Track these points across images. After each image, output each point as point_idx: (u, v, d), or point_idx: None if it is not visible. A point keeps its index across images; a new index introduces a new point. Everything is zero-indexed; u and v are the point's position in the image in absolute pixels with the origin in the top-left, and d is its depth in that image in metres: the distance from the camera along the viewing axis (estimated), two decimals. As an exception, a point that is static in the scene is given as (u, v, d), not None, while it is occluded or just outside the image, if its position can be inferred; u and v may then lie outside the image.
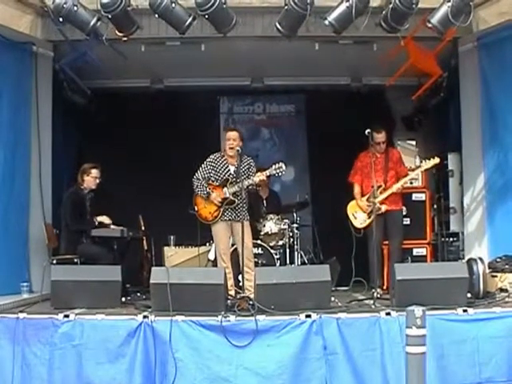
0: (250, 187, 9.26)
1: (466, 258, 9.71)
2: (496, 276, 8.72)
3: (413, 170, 10.14)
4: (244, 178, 9.13)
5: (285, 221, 11.36)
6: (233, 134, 9.30)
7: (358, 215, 9.91)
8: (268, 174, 9.28)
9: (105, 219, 9.82)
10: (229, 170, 9.37)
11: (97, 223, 9.70)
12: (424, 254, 11.01)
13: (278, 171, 9.24)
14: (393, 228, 9.95)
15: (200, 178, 9.35)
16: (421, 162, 10.19)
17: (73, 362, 7.22)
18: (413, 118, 13.15)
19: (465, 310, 7.35)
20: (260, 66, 11.98)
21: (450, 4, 8.26)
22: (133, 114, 12.93)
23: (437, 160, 9.73)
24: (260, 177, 9.21)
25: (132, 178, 12.61)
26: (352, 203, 10.03)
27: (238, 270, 9.37)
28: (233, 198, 9.19)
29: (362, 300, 8.92)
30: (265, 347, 7.14)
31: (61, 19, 8.53)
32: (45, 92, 10.36)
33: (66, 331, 7.30)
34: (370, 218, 9.61)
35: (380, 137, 9.87)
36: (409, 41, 9.58)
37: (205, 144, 11.30)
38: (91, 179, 9.84)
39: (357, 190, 10.08)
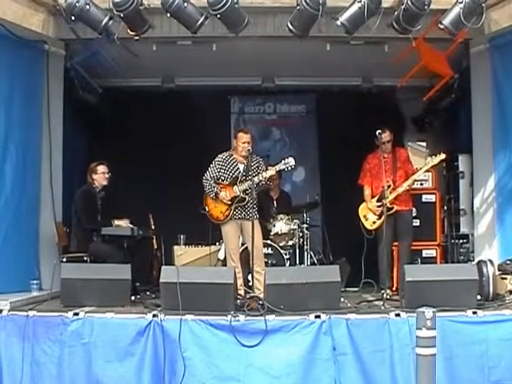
0: (260, 184, 9.27)
1: (476, 259, 9.70)
2: (506, 278, 8.70)
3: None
4: (254, 176, 9.15)
5: (295, 221, 11.36)
6: (248, 137, 9.34)
7: (369, 217, 9.90)
8: (278, 168, 9.32)
9: (124, 223, 9.83)
10: (238, 168, 9.39)
11: (114, 226, 9.72)
12: (434, 255, 11.03)
13: (287, 166, 9.27)
14: (403, 228, 9.93)
15: (209, 177, 9.37)
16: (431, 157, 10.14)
17: (82, 360, 7.24)
18: (423, 119, 13.18)
19: (474, 312, 7.33)
20: (271, 66, 11.99)
21: (462, 5, 8.23)
22: (143, 112, 12.96)
23: (443, 156, 9.72)
24: (270, 172, 9.24)
25: (142, 176, 12.64)
26: (363, 205, 10.03)
27: (247, 269, 9.38)
28: (243, 196, 9.20)
29: (371, 301, 8.92)
30: (274, 347, 7.14)
31: (73, 18, 8.52)
32: (56, 90, 10.38)
33: (75, 329, 7.32)
34: (380, 219, 9.61)
35: (384, 136, 9.83)
36: (420, 42, 9.55)
37: (215, 143, 11.28)
38: (100, 176, 9.86)
39: (367, 192, 10.08)
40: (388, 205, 9.46)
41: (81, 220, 9.61)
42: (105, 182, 9.91)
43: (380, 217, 9.65)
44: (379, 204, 9.70)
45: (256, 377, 7.08)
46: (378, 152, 9.92)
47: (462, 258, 11.27)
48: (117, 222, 9.75)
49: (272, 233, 11.15)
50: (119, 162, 10.96)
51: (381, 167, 9.57)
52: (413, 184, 9.86)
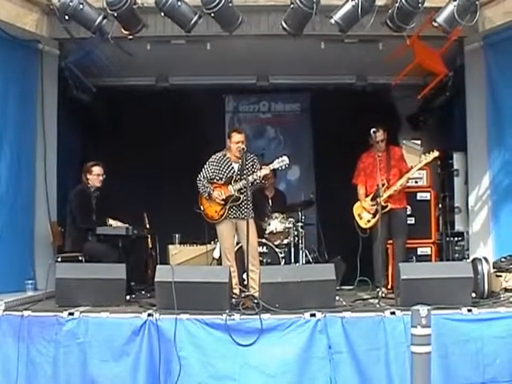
0: (255, 182, 9.27)
1: (471, 257, 9.70)
2: (501, 276, 8.69)
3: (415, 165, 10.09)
4: (249, 175, 9.14)
5: (290, 220, 11.36)
6: (241, 137, 9.33)
7: (363, 215, 9.91)
8: (272, 167, 9.32)
9: (115, 223, 9.81)
10: (232, 167, 9.39)
11: (108, 224, 9.71)
12: (429, 253, 11.04)
13: (281, 164, 9.28)
14: (397, 227, 9.95)
15: (202, 178, 9.38)
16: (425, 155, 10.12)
17: (77, 359, 7.23)
18: (418, 118, 13.17)
19: (469, 310, 7.34)
20: (265, 65, 11.99)
21: (456, 3, 8.24)
22: (138, 112, 12.94)
23: (436, 153, 9.72)
24: (264, 171, 9.24)
25: (137, 175, 12.62)
26: (357, 204, 10.05)
27: (242, 268, 9.38)
28: (238, 195, 9.20)
29: (366, 299, 8.90)
30: (269, 346, 7.13)
31: (66, 17, 8.51)
32: (50, 90, 10.36)
33: (70, 329, 7.31)
34: (375, 217, 9.63)
35: (378, 135, 9.83)
36: (414, 40, 9.56)
37: (210, 142, 11.34)
38: (94, 177, 9.85)
39: (361, 191, 10.09)
40: (382, 203, 9.46)
41: (75, 219, 9.60)
42: (98, 184, 9.90)
43: (374, 215, 9.67)
44: (373, 203, 9.71)
45: (251, 376, 7.08)
46: (372, 151, 9.94)
47: (456, 255, 11.28)
48: (111, 222, 9.75)
49: (267, 231, 11.16)
50: (114, 162, 10.95)
51: (375, 166, 9.61)
52: (407, 182, 9.88)
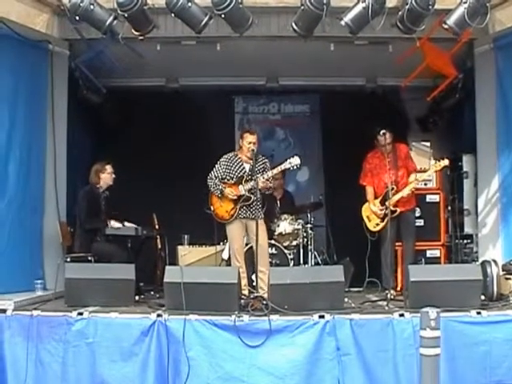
0: (264, 184, 9.23)
1: (480, 260, 9.68)
2: (510, 278, 8.66)
3: (423, 171, 10.06)
4: (259, 175, 9.15)
5: (299, 221, 11.37)
6: (254, 138, 9.34)
7: (372, 218, 9.88)
8: (283, 167, 9.29)
9: (113, 224, 9.79)
10: (244, 168, 9.40)
11: (109, 227, 9.71)
12: (438, 255, 11.01)
13: (292, 165, 9.24)
14: (405, 228, 9.90)
15: (213, 177, 9.38)
16: (434, 163, 10.10)
17: (86, 359, 7.28)
18: (428, 119, 13.13)
19: (478, 313, 7.34)
20: (275, 66, 11.98)
21: (466, 5, 8.24)
22: (148, 112, 12.97)
23: (446, 162, 9.70)
24: (275, 170, 9.26)
25: (146, 176, 12.62)
26: (366, 206, 10.01)
27: (251, 269, 9.38)
28: (249, 195, 9.20)
29: (375, 301, 8.91)
30: (278, 347, 7.16)
31: (77, 18, 8.55)
32: (60, 90, 10.35)
33: (79, 329, 7.35)
34: (383, 221, 9.61)
35: (386, 138, 9.82)
36: (425, 42, 9.56)
37: (220, 143, 11.36)
38: (108, 175, 9.91)
39: (370, 192, 10.04)
40: (391, 208, 9.44)
41: (82, 220, 9.63)
42: (111, 182, 9.96)
43: (383, 219, 9.64)
44: (382, 207, 9.67)
45: (260, 377, 7.10)
46: (377, 151, 9.94)
47: (466, 258, 11.25)
48: (113, 223, 9.74)
49: (276, 233, 11.16)
50: (124, 162, 10.96)
51: (382, 167, 9.65)
52: (415, 187, 9.83)
